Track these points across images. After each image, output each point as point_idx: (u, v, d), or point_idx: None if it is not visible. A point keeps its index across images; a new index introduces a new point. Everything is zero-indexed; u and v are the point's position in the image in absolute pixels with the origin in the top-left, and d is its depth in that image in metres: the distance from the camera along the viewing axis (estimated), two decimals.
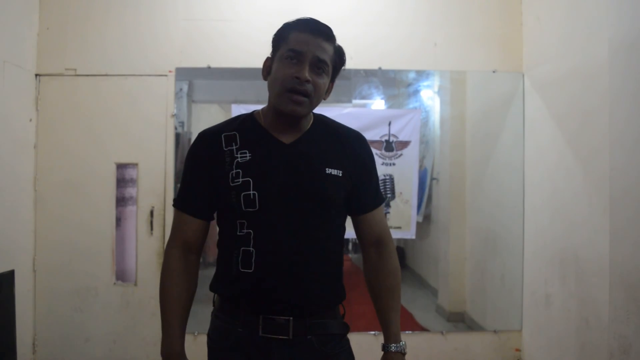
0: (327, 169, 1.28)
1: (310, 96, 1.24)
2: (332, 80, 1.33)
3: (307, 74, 1.21)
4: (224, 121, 1.37)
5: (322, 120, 1.38)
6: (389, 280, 1.38)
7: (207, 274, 1.46)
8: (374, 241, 1.39)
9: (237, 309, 1.27)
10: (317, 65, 1.23)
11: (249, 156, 1.27)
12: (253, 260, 1.24)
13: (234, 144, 1.28)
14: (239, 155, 1.27)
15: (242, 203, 1.24)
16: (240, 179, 1.24)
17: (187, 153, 1.37)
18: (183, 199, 1.33)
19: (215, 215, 1.35)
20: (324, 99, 1.32)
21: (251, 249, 1.24)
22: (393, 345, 1.34)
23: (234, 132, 1.30)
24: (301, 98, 1.23)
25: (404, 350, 1.35)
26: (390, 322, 1.36)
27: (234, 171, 1.25)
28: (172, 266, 1.30)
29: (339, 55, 1.30)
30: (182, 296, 1.29)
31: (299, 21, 1.26)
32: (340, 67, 1.33)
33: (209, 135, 1.32)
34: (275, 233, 1.24)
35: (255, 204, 1.23)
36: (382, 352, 1.36)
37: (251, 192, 1.23)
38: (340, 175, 1.29)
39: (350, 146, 1.35)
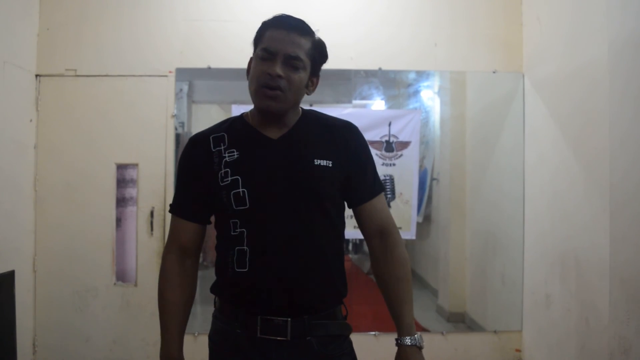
0: (315, 160, 1.26)
1: (283, 90, 1.23)
2: (316, 75, 1.31)
3: (277, 69, 1.21)
4: (213, 124, 1.37)
5: (311, 113, 1.37)
6: (397, 271, 1.32)
7: (206, 275, 1.46)
8: (376, 231, 1.35)
9: (236, 310, 1.27)
10: (290, 62, 1.23)
11: (237, 154, 1.27)
12: (247, 259, 1.23)
13: (222, 144, 1.29)
14: (226, 155, 1.27)
15: (232, 202, 1.24)
16: (229, 178, 1.24)
17: (179, 159, 1.37)
18: (178, 204, 1.34)
19: (212, 218, 1.35)
20: (308, 94, 1.31)
21: (245, 247, 1.24)
22: (408, 338, 1.27)
23: (223, 133, 1.31)
24: (273, 92, 1.22)
25: (420, 343, 1.28)
26: (402, 314, 1.30)
27: (223, 170, 1.25)
28: (169, 271, 1.31)
29: (319, 49, 1.29)
30: (179, 301, 1.30)
31: (274, 18, 1.27)
32: (322, 61, 1.31)
33: (198, 139, 1.33)
34: (268, 230, 1.24)
35: (246, 202, 1.23)
36: (397, 347, 1.30)
37: (240, 189, 1.23)
38: (330, 165, 1.27)
39: (341, 136, 1.32)
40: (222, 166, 1.26)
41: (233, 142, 1.29)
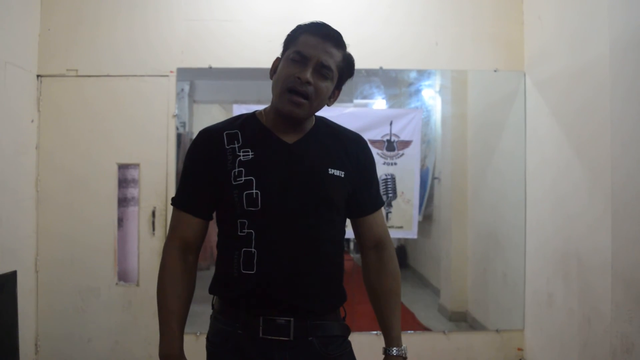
0: (329, 169, 1.27)
1: (310, 98, 1.23)
2: (339, 88, 1.32)
3: (308, 75, 1.21)
4: (225, 120, 1.36)
5: (324, 122, 1.38)
6: (389, 283, 1.37)
7: (208, 275, 1.45)
8: (373, 244, 1.39)
9: (238, 311, 1.26)
10: (321, 70, 1.23)
11: (252, 155, 1.26)
12: (255, 262, 1.23)
13: (236, 142, 1.27)
14: (241, 154, 1.26)
15: (244, 202, 1.23)
16: (243, 178, 1.23)
17: (187, 150, 1.35)
18: (182, 198, 1.31)
19: (214, 215, 1.33)
20: (328, 105, 1.31)
21: (253, 249, 1.23)
22: (395, 348, 1.35)
23: (236, 131, 1.29)
24: (300, 99, 1.22)
25: (405, 354, 1.36)
26: (392, 326, 1.37)
27: (237, 170, 1.24)
28: (171, 266, 1.29)
29: (348, 64, 1.29)
30: (180, 296, 1.28)
31: (311, 24, 1.26)
32: (348, 76, 1.32)
33: (210, 133, 1.31)
34: (277, 233, 1.24)
35: (257, 203, 1.22)
36: (383, 356, 1.36)
37: (254, 190, 1.22)
38: (343, 176, 1.29)
39: (352, 148, 1.34)
40: (236, 165, 1.25)
41: (247, 142, 1.27)
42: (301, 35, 1.24)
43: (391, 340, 1.36)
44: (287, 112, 1.23)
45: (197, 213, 1.29)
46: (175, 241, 1.30)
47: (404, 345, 1.36)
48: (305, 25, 1.27)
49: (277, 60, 1.30)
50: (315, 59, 1.22)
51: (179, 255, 1.29)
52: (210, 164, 1.27)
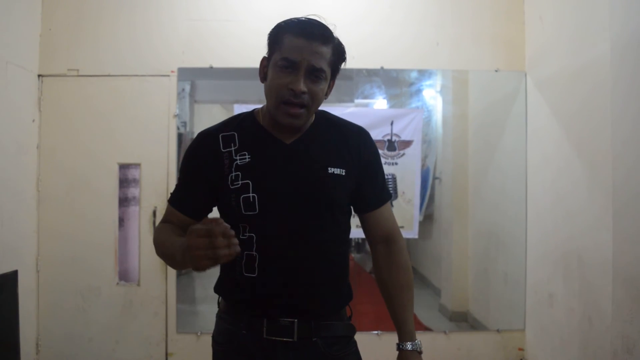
0: (329, 168, 1.25)
1: (307, 106, 1.20)
2: (333, 79, 1.27)
3: (301, 86, 1.16)
4: (223, 120, 1.34)
5: (325, 116, 1.34)
6: (401, 277, 1.34)
7: (209, 274, 1.45)
8: (382, 238, 1.36)
9: (241, 312, 1.26)
10: (313, 74, 1.18)
11: (248, 158, 1.24)
12: (256, 265, 1.22)
13: (232, 144, 1.26)
14: (238, 157, 1.24)
15: (241, 206, 1.21)
16: (240, 182, 1.22)
17: (185, 152, 1.34)
18: (177, 198, 1.32)
19: (208, 214, 1.34)
20: (325, 99, 1.28)
21: (254, 253, 1.22)
22: (409, 343, 1.31)
23: (233, 133, 1.27)
24: (297, 111, 1.19)
25: (420, 348, 1.31)
26: (405, 320, 1.33)
27: (234, 174, 1.23)
28: (163, 227, 1.29)
29: (338, 54, 1.23)
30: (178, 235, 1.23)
31: (293, 23, 1.20)
32: (341, 64, 1.26)
33: (207, 136, 1.30)
34: (277, 236, 1.22)
35: (255, 207, 1.21)
36: (397, 352, 1.33)
37: (250, 194, 1.21)
38: (344, 174, 1.26)
39: (354, 142, 1.30)
40: (233, 169, 1.23)
41: (244, 144, 1.25)
42: (285, 37, 1.18)
43: (404, 334, 1.32)
44: (287, 123, 1.21)
45: (189, 213, 1.30)
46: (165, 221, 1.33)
47: (418, 339, 1.32)
48: (287, 25, 1.20)
49: (264, 60, 1.25)
50: (305, 63, 1.16)
51: (170, 225, 1.30)
52: (206, 169, 1.26)
